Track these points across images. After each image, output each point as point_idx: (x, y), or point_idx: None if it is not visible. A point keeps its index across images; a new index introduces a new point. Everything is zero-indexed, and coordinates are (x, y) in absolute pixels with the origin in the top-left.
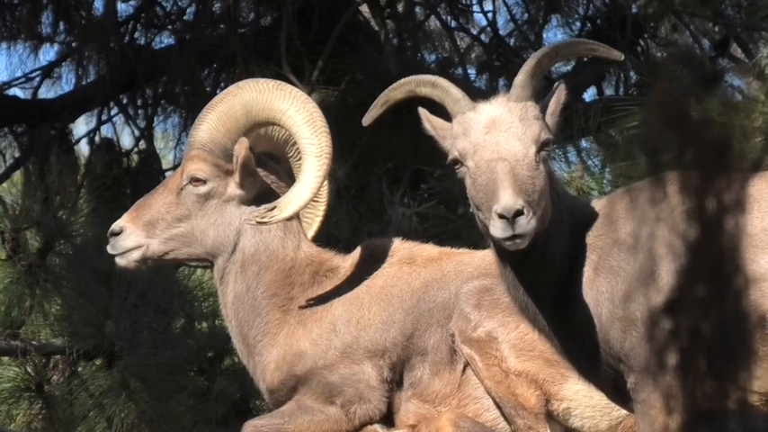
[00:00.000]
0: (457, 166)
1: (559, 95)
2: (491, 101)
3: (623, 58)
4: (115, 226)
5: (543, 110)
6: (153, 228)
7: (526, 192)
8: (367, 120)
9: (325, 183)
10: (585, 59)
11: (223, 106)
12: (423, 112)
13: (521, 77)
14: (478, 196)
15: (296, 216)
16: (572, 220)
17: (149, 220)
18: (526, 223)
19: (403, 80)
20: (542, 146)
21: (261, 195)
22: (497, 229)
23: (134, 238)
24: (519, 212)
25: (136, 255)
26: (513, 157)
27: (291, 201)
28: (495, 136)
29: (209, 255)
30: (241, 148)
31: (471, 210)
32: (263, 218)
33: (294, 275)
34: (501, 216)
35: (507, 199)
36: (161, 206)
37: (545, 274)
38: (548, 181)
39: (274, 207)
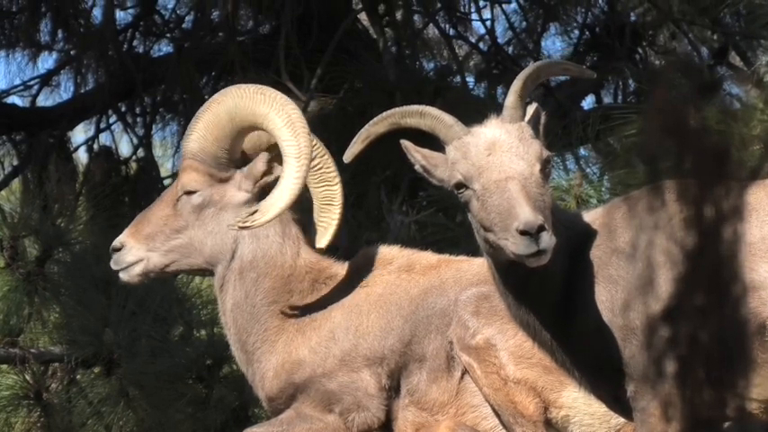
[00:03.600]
0: (461, 191)
1: (540, 117)
2: (485, 124)
3: (596, 76)
4: (116, 242)
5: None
6: (153, 241)
7: (539, 208)
8: (348, 157)
9: (339, 187)
10: (585, 66)
11: (209, 115)
12: (406, 144)
13: (512, 99)
14: (490, 217)
15: (303, 221)
16: (566, 233)
17: (149, 233)
18: (549, 238)
19: (385, 113)
20: (545, 163)
21: (258, 197)
22: (520, 246)
23: (135, 252)
24: (542, 228)
25: (138, 269)
26: (521, 176)
27: (273, 203)
28: (498, 157)
29: (209, 264)
30: (260, 164)
31: (476, 232)
32: (244, 222)
33: (293, 283)
34: (523, 232)
35: (528, 215)
36: (159, 219)
37: (547, 291)
38: (552, 197)
39: (256, 210)
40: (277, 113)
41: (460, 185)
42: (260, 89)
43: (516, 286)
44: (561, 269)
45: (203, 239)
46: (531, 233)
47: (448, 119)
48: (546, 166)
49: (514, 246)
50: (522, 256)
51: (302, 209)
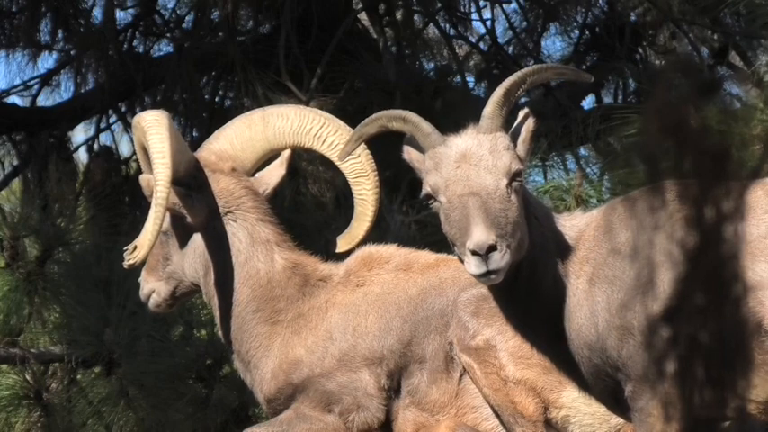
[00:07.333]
0: (430, 202)
1: (529, 123)
2: (461, 134)
3: (593, 80)
4: (140, 278)
5: (514, 137)
6: (156, 272)
7: (499, 225)
8: (342, 155)
9: (373, 190)
10: (585, 67)
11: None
12: (406, 146)
13: (489, 108)
14: (452, 232)
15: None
16: (557, 239)
17: (152, 265)
18: (500, 258)
19: (374, 115)
20: (513, 177)
21: (215, 211)
22: (472, 265)
23: (147, 285)
24: (492, 248)
25: (153, 300)
26: (485, 191)
27: (145, 235)
28: (465, 170)
29: (194, 284)
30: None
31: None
32: (129, 261)
33: (276, 289)
34: (474, 252)
35: (479, 235)
36: (155, 250)
37: (536, 299)
38: (521, 210)
39: (135, 247)
40: (148, 139)
41: (429, 197)
42: (143, 115)
43: (503, 293)
44: (553, 275)
45: (179, 262)
46: (480, 253)
47: (426, 127)
48: (515, 180)
49: (467, 264)
50: (474, 276)
51: (279, 207)
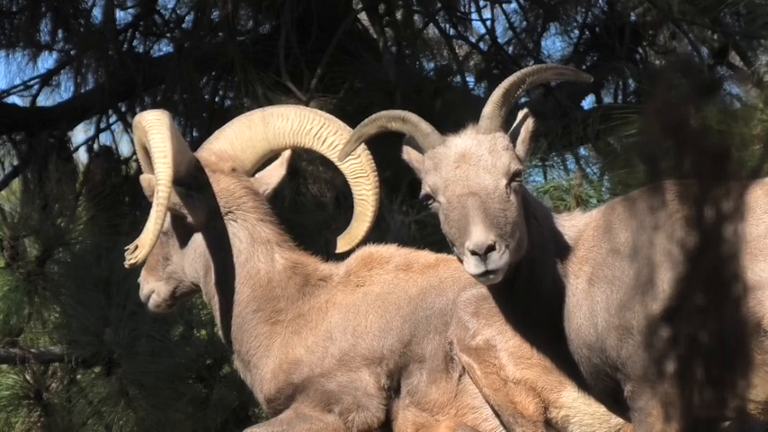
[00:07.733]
0: (429, 202)
1: (528, 124)
2: (460, 134)
3: (593, 80)
4: (139, 278)
5: (514, 137)
6: (156, 272)
7: (498, 225)
8: (342, 156)
9: (373, 190)
10: (585, 67)
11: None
12: (405, 146)
13: (488, 109)
14: (452, 232)
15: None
16: (556, 239)
17: (152, 265)
18: (498, 258)
19: (374, 116)
20: (513, 177)
21: (215, 210)
22: (471, 265)
23: (147, 285)
24: (491, 248)
25: (153, 301)
26: (484, 191)
27: (146, 235)
28: (465, 170)
29: (194, 284)
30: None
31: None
32: (130, 261)
33: (277, 289)
34: (473, 252)
35: (478, 235)
36: (155, 250)
37: (536, 299)
38: (521, 211)
39: (136, 246)
40: (149, 138)
41: (428, 197)
42: (144, 115)
43: (503, 293)
44: (552, 276)
45: (179, 262)
46: (479, 253)
47: (425, 127)
48: (514, 180)
49: (467, 264)
50: (473, 276)
51: (279, 207)
